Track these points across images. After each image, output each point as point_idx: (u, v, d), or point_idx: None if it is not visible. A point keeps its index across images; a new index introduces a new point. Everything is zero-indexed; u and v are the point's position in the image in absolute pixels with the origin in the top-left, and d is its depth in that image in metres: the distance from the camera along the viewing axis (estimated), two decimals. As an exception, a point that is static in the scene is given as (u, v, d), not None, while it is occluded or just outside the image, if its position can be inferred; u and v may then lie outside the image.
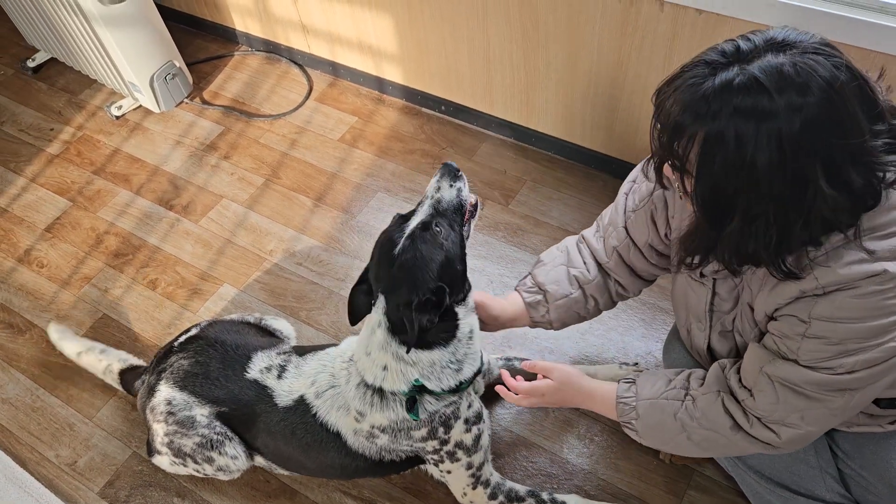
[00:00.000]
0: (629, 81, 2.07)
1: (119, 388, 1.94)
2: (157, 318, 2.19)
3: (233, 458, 1.66)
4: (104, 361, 1.95)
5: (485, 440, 1.61)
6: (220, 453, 1.65)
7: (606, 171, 2.39)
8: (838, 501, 1.48)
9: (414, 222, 1.45)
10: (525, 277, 1.69)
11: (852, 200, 1.06)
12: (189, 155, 2.65)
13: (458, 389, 1.50)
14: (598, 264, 1.62)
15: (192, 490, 1.83)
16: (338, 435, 1.58)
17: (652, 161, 1.21)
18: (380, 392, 1.51)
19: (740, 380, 1.32)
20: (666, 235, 1.50)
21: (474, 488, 1.62)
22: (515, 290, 1.68)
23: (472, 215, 1.54)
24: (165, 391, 1.69)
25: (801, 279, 1.13)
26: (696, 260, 1.22)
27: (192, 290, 2.24)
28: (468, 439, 1.56)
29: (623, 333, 2.04)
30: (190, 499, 1.81)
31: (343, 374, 1.58)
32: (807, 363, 1.19)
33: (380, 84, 2.73)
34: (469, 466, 1.59)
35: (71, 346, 2.01)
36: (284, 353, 1.70)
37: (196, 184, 2.55)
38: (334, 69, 2.82)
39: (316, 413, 1.59)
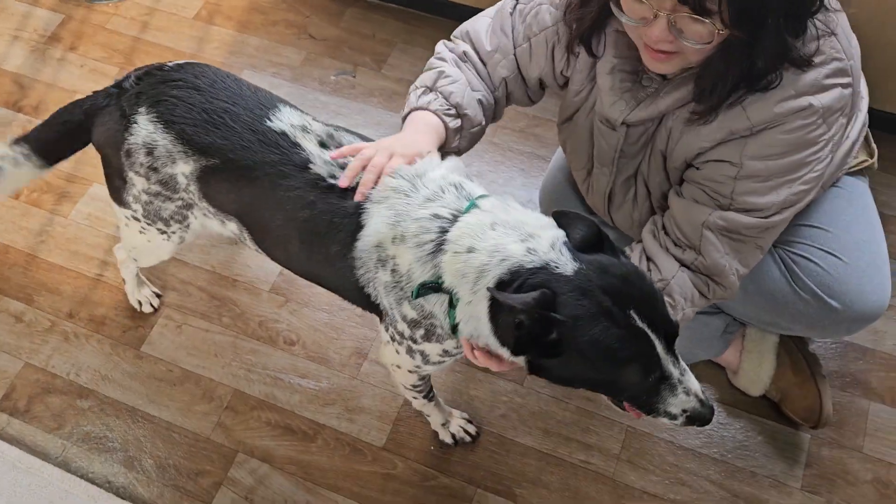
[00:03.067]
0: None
1: (27, 167, 1.47)
2: (25, 226, 2.07)
3: (202, 223, 1.44)
4: None
5: (443, 367, 1.42)
6: (193, 215, 1.42)
7: (475, 25, 2.36)
8: (703, 311, 1.63)
9: None
10: (427, 94, 1.37)
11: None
12: (31, 50, 2.43)
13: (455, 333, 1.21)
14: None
15: (93, 390, 1.82)
16: (359, 228, 1.23)
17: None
18: (439, 246, 1.15)
19: (675, 241, 1.33)
20: (562, 73, 1.42)
21: (409, 372, 1.43)
22: (424, 109, 1.35)
23: None
24: (146, 128, 1.31)
25: (733, 120, 1.21)
26: (714, 98, 1.21)
27: (60, 194, 2.13)
28: (434, 358, 1.33)
29: (504, 185, 2.09)
30: (93, 398, 1.81)
31: (426, 190, 1.21)
32: (741, 207, 1.26)
33: (230, -48, 2.54)
34: (417, 367, 1.38)
35: None
36: (331, 125, 1.35)
37: (44, 81, 2.36)
38: (178, -60, 2.59)
39: (361, 203, 1.22)
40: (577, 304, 1.02)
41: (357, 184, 1.23)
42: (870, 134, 1.52)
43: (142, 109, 1.33)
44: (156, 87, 1.33)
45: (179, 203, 1.40)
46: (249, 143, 1.28)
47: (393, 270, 1.21)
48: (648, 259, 1.36)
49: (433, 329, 1.25)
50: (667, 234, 1.36)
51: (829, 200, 1.50)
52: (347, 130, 1.35)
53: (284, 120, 1.30)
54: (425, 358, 1.33)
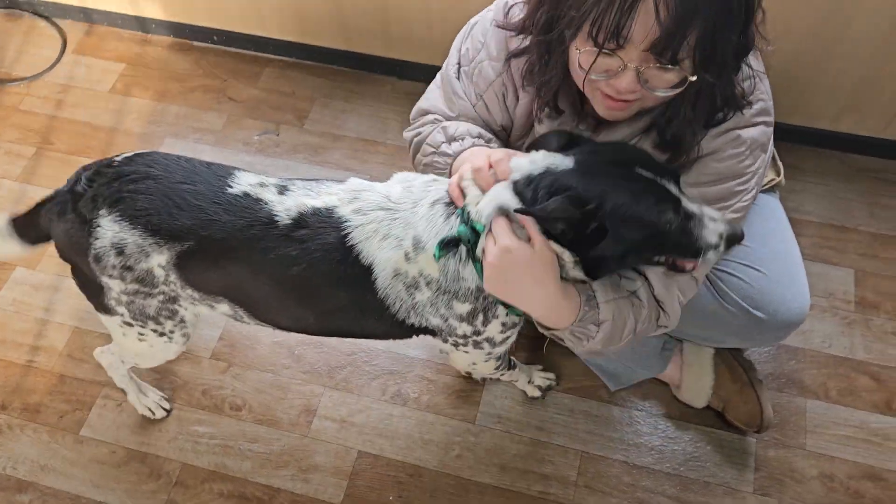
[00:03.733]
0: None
1: (12, 243, 1.43)
2: (-52, 319, 2.00)
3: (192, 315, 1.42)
4: None
5: (512, 339, 1.42)
6: (182, 306, 1.39)
7: (393, 74, 2.41)
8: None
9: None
10: (450, 145, 1.37)
11: None
12: (-60, 137, 2.37)
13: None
14: None
15: (33, 482, 1.74)
16: (368, 271, 1.23)
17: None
18: (449, 216, 1.21)
19: None
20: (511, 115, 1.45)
21: (486, 362, 1.47)
22: (468, 148, 1.35)
23: None
24: (110, 228, 1.26)
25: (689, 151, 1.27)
26: (686, 144, 1.25)
27: (-18, 281, 2.06)
28: (499, 338, 1.34)
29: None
30: (32, 491, 1.73)
31: (410, 197, 1.24)
32: None
33: (141, 23, 2.54)
34: (489, 354, 1.40)
35: None
36: (282, 178, 1.34)
37: (-43, 167, 2.30)
38: (87, 15, 2.58)
39: (348, 234, 1.22)
40: (595, 184, 1.09)
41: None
42: (776, 153, 1.61)
43: (102, 211, 1.26)
44: (110, 185, 1.27)
45: (161, 297, 1.34)
46: (217, 215, 1.25)
47: (427, 283, 1.23)
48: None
49: (485, 305, 1.26)
50: None
51: (745, 218, 1.58)
52: (301, 178, 1.35)
53: (242, 182, 1.28)
54: (492, 342, 1.34)
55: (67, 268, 1.36)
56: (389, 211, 1.23)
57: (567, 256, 1.16)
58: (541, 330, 1.31)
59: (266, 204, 1.25)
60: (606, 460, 1.76)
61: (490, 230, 1.15)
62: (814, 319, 1.92)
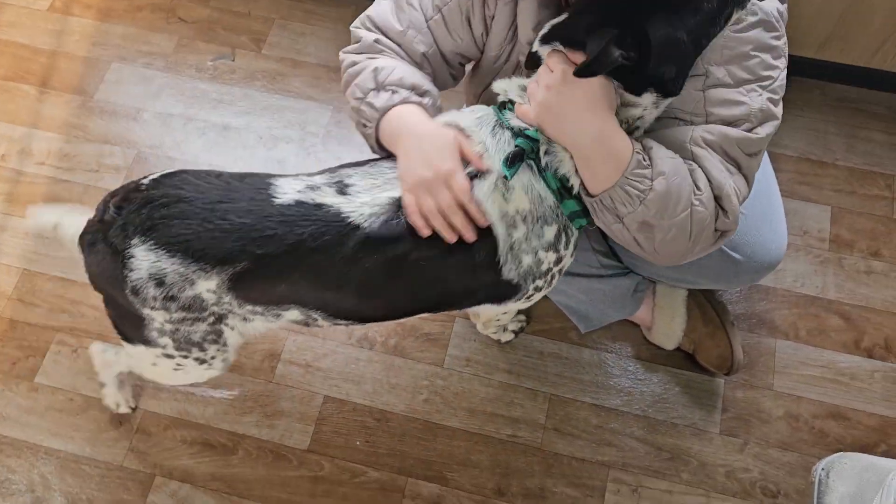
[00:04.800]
0: None
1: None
2: None
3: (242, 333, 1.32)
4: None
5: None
6: (228, 326, 1.28)
7: (356, -6, 2.25)
8: (613, 273, 1.64)
9: None
10: (378, 94, 1.25)
11: None
12: None
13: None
14: None
15: (-12, 432, 1.69)
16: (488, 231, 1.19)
17: None
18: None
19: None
20: (482, 38, 1.32)
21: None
22: (390, 110, 1.24)
23: None
24: (146, 258, 1.15)
25: None
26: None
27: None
28: (567, 260, 1.29)
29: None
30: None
31: (476, 137, 1.20)
32: (720, 119, 1.18)
33: (80, -67, 2.33)
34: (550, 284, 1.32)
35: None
36: (327, 172, 1.25)
37: None
38: (18, -78, 2.35)
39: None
40: (614, 12, 1.07)
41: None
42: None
43: (135, 241, 1.15)
44: (140, 211, 1.16)
45: (211, 320, 1.24)
46: (271, 230, 1.15)
47: (523, 219, 1.19)
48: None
49: (565, 222, 1.23)
50: None
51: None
52: (344, 165, 1.25)
53: (288, 189, 1.18)
54: (562, 270, 1.30)
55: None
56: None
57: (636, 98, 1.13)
58: (586, 200, 1.19)
59: (330, 207, 1.16)
60: (575, 403, 1.75)
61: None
62: (787, 258, 1.88)
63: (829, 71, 2.10)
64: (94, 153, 2.04)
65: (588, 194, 1.18)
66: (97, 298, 1.78)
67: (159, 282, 1.16)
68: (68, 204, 1.59)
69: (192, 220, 1.15)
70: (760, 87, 1.20)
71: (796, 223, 1.94)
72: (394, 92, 1.24)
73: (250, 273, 1.16)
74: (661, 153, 1.14)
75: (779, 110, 1.22)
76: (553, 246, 1.23)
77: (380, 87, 1.24)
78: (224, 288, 1.18)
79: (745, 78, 1.19)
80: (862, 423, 1.73)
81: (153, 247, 1.15)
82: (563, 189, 1.19)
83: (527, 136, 1.17)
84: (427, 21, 1.30)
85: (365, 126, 1.28)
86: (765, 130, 1.20)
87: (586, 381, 1.77)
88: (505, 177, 1.15)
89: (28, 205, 1.93)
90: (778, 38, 1.20)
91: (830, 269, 1.90)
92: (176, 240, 1.14)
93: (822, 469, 1.38)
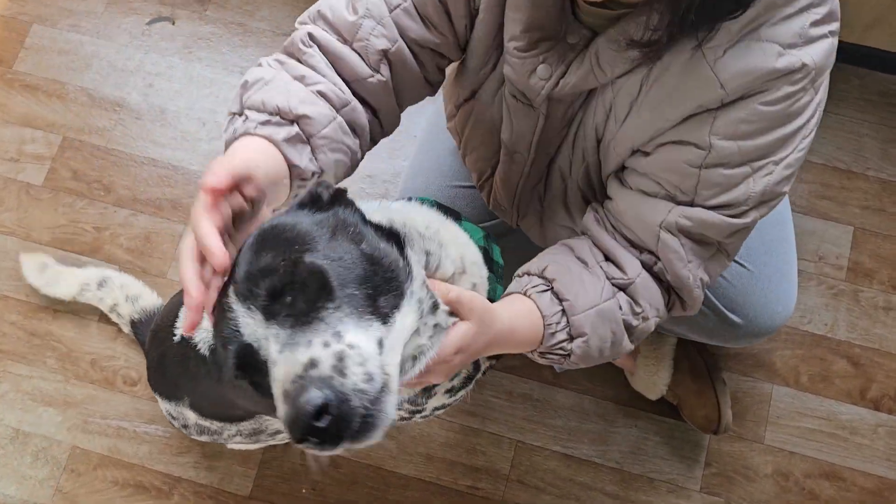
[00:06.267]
0: None
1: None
2: None
3: None
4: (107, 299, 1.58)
5: None
6: None
7: (318, -60, 1.90)
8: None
9: None
10: (234, 122, 0.92)
11: None
12: None
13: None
14: (349, 82, 1.01)
15: None
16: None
17: None
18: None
19: (629, 241, 1.02)
20: (467, 26, 1.04)
21: None
22: (241, 136, 0.90)
23: None
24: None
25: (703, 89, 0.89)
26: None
27: None
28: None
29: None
30: None
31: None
32: (707, 203, 0.96)
33: None
34: None
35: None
36: None
37: None
38: None
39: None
40: None
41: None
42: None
43: None
44: None
45: None
46: None
47: None
48: (606, 257, 1.04)
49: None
50: (615, 230, 1.05)
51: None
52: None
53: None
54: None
55: None
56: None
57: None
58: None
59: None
60: (544, 451, 1.59)
61: None
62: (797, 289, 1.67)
63: (873, 59, 1.78)
64: (14, 137, 1.78)
65: None
66: (19, 313, 1.62)
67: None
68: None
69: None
70: (772, 163, 0.94)
71: (812, 246, 1.70)
72: (259, 113, 0.91)
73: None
74: (583, 300, 0.97)
75: (788, 185, 0.97)
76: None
77: (257, 106, 0.91)
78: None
79: (754, 156, 0.93)
80: (857, 484, 1.57)
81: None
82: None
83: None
84: (391, 10, 1.01)
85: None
86: (758, 213, 0.98)
87: (557, 427, 1.61)
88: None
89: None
90: (816, 90, 0.91)
91: (844, 304, 1.67)
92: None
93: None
